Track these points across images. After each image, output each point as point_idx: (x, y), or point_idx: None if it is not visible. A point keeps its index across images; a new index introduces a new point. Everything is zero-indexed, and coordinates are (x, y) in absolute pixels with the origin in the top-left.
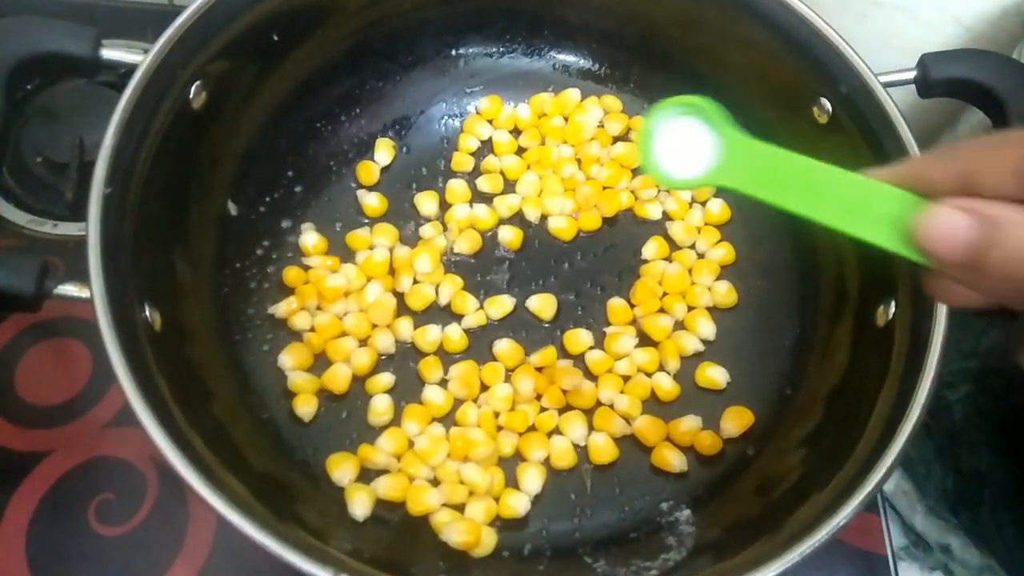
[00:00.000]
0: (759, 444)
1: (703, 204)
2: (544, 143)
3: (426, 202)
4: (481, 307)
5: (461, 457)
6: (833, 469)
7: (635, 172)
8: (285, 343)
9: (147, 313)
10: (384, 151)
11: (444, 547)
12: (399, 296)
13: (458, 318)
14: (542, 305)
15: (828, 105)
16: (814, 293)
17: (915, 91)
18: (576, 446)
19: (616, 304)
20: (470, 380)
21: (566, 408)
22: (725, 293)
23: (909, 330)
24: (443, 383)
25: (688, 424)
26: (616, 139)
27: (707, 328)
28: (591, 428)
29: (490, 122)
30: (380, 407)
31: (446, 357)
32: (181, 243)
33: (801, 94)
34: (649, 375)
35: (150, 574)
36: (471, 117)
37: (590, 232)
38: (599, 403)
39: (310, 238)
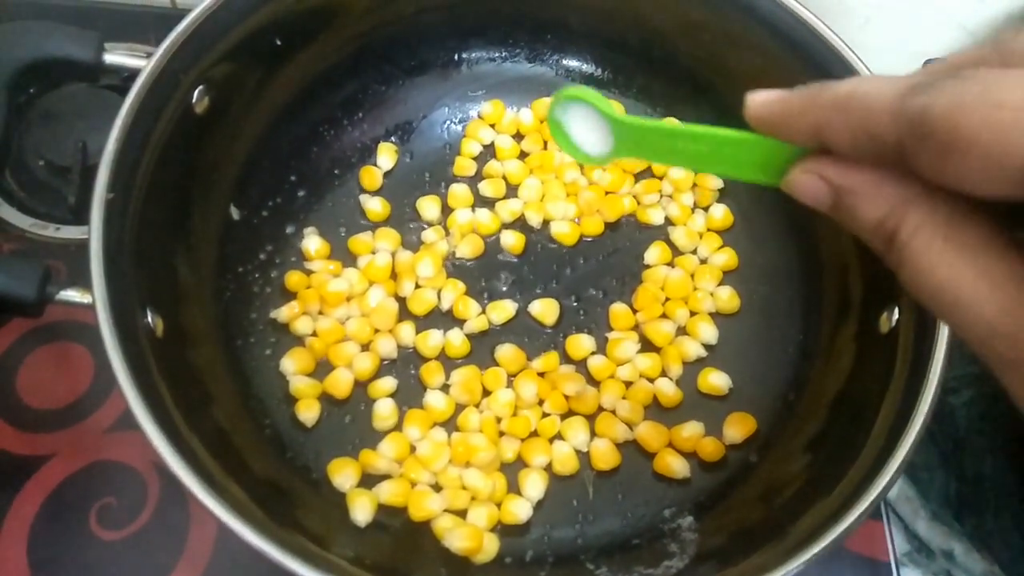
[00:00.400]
0: (762, 450)
1: (705, 209)
2: (546, 148)
3: (428, 206)
4: (483, 312)
5: (463, 462)
6: (837, 475)
7: (637, 177)
8: (287, 348)
9: (149, 318)
10: (387, 156)
11: (446, 553)
12: (401, 301)
13: (460, 323)
14: (544, 310)
15: None
16: (817, 298)
17: None
18: (578, 452)
19: (618, 309)
20: (472, 385)
21: (568, 413)
22: (728, 298)
23: (913, 335)
24: (445, 388)
25: (690, 430)
26: None
27: (709, 333)
28: (593, 434)
29: (493, 127)
30: (384, 411)
31: (448, 362)
32: (183, 247)
33: None
34: (651, 380)
35: None
36: (474, 122)
37: (592, 237)
38: (601, 408)
39: (312, 243)
